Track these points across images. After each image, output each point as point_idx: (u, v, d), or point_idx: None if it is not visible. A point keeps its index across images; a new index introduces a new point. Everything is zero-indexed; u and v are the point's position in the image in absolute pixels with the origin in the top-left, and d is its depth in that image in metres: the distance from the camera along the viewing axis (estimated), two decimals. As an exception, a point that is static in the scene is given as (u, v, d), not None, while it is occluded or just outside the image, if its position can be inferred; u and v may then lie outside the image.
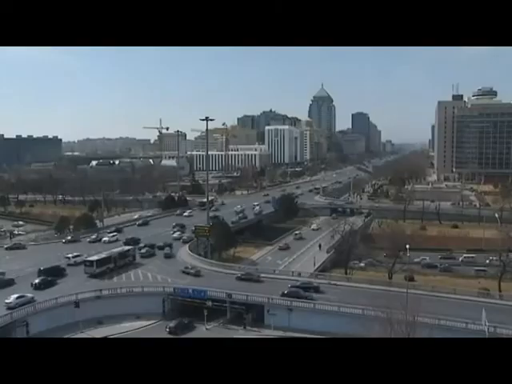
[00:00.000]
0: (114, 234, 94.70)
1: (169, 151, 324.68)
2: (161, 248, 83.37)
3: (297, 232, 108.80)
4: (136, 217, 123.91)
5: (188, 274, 68.77)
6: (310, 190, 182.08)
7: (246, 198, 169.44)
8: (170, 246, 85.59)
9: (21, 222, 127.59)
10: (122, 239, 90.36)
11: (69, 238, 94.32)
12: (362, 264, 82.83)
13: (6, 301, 54.33)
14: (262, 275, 67.88)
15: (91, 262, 69.35)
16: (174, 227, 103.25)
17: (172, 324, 54.65)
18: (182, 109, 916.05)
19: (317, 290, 61.65)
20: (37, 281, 62.84)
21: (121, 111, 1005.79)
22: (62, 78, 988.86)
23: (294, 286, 61.32)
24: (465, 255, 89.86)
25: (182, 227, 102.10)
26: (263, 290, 60.17)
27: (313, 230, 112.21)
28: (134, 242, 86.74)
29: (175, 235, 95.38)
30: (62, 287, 62.54)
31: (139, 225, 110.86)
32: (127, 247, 79.07)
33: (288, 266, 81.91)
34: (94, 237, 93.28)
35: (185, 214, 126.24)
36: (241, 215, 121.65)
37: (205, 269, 71.71)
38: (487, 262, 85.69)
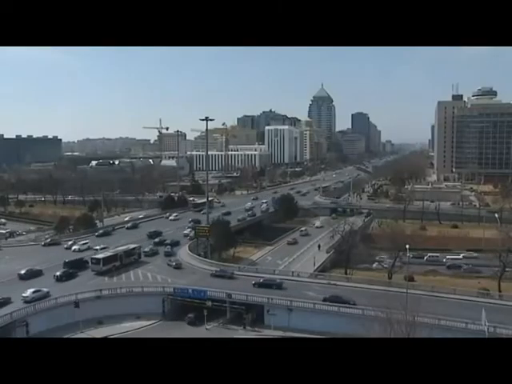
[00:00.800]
0: (86, 242, 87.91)
1: (169, 151, 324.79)
2: (168, 245, 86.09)
3: (302, 229, 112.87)
4: (127, 219, 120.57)
5: (170, 266, 73.64)
6: (316, 189, 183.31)
7: (244, 198, 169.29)
8: (177, 243, 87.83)
9: (3, 220, 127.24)
10: (93, 246, 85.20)
11: (48, 240, 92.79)
12: (386, 265, 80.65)
13: (23, 294, 56.79)
14: (237, 273, 69.86)
15: (98, 259, 70.43)
16: (189, 222, 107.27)
17: (191, 315, 57.64)
18: (182, 109, 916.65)
19: (279, 286, 63.00)
20: (58, 273, 66.57)
21: (121, 111, 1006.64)
22: (61, 77, 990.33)
23: (257, 283, 63.42)
24: (429, 254, 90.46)
25: (197, 223, 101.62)
26: (232, 286, 62.71)
27: (316, 227, 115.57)
28: (156, 234, 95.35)
29: (186, 232, 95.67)
30: (80, 280, 66.35)
31: (128, 228, 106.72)
32: (133, 245, 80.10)
33: (288, 266, 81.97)
34: (70, 243, 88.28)
35: (170, 217, 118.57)
36: (250, 213, 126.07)
37: (199, 267, 73.66)
38: (444, 260, 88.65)
